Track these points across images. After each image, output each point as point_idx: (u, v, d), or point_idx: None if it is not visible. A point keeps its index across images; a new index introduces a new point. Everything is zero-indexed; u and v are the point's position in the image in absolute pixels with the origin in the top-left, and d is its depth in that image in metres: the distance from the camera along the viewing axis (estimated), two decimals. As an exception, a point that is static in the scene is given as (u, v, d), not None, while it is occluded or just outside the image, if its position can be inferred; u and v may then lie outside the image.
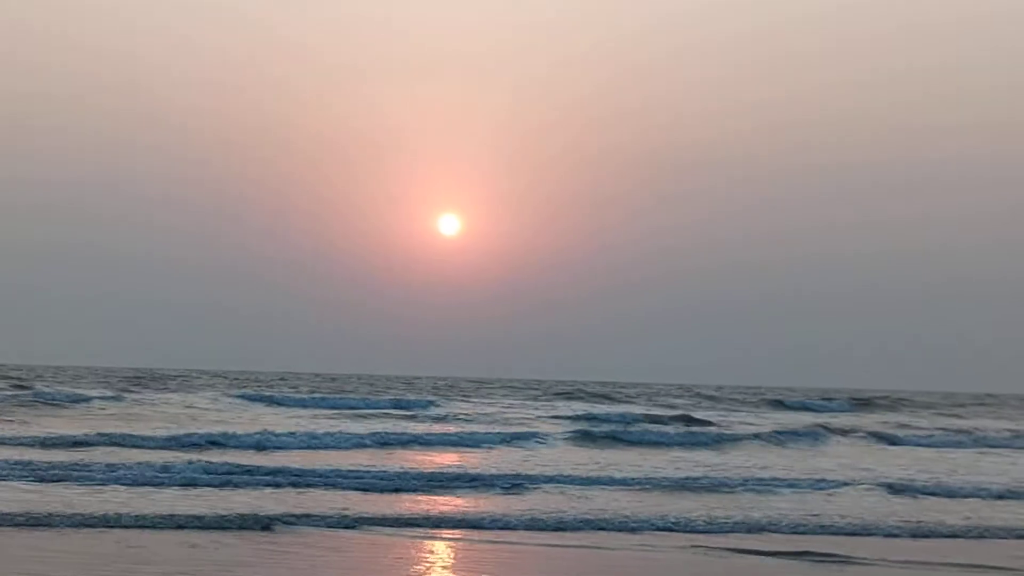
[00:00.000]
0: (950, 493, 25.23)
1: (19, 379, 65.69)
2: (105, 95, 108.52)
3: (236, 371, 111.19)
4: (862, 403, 70.62)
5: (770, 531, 18.98)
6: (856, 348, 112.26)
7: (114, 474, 22.86)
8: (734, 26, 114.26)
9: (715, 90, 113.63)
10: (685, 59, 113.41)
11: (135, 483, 22.03)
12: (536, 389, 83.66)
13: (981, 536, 19.50)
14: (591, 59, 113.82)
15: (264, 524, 17.65)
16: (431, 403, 53.67)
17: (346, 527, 17.88)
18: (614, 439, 36.92)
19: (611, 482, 24.70)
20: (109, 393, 51.86)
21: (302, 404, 51.51)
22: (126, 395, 51.70)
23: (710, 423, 45.88)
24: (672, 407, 57.93)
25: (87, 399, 47.67)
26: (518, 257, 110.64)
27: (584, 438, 37.16)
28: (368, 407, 50.92)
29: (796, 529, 19.20)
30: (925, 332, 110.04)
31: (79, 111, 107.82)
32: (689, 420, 46.51)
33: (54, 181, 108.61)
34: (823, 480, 26.16)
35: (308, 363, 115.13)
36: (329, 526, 17.94)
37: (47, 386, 54.36)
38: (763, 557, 16.57)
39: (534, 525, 18.86)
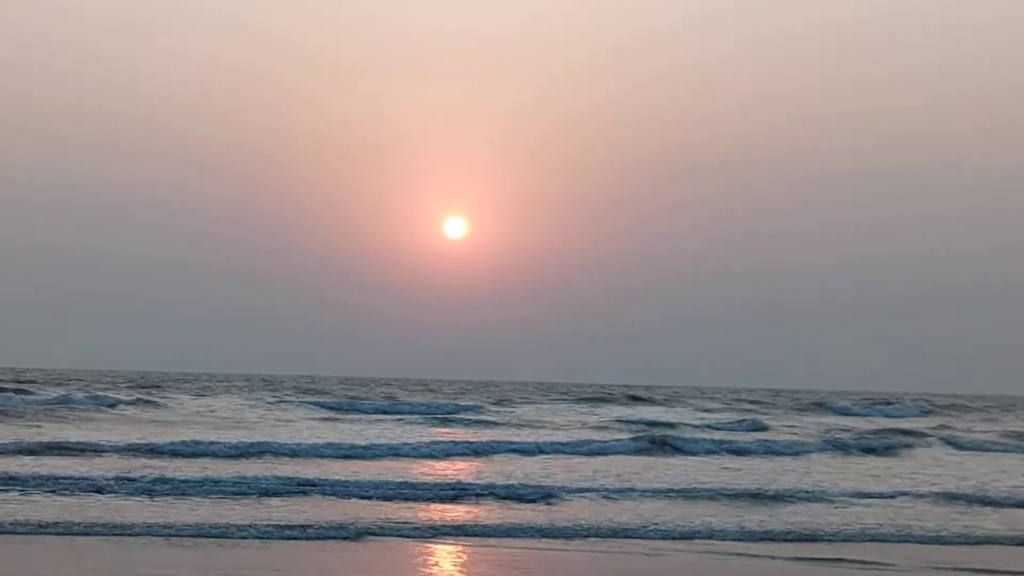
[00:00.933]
0: (1003, 500, 24.28)
1: (31, 382, 64.55)
2: (108, 99, 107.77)
3: (246, 374, 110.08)
4: (916, 408, 69.89)
5: (814, 540, 18.53)
6: (864, 351, 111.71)
7: (187, 483, 22.10)
8: (737, 32, 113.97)
9: (720, 94, 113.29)
10: (690, 64, 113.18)
11: (214, 494, 21.28)
12: (559, 391, 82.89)
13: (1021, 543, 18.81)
14: (598, 63, 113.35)
15: (354, 534, 17.48)
16: (475, 408, 52.58)
17: (427, 538, 17.64)
18: (674, 448, 35.54)
19: (683, 492, 23.80)
20: (137, 397, 50.61)
21: (350, 409, 50.48)
22: (157, 399, 50.46)
23: (770, 428, 44.88)
24: (716, 411, 56.96)
25: (117, 403, 46.46)
26: (524, 260, 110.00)
27: (649, 446, 35.82)
28: (412, 412, 49.86)
29: (837, 536, 18.78)
30: (927, 335, 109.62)
31: (79, 114, 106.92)
32: (750, 426, 45.48)
33: (51, 183, 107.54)
34: (877, 489, 25.24)
35: (308, 366, 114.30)
36: (412, 536, 17.64)
37: (72, 391, 53.18)
38: (797, 563, 16.40)
39: (620, 533, 18.55)
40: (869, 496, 24.10)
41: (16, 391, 51.06)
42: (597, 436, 37.35)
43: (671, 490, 24.00)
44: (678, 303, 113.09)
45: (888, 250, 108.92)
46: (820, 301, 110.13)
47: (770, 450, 35.66)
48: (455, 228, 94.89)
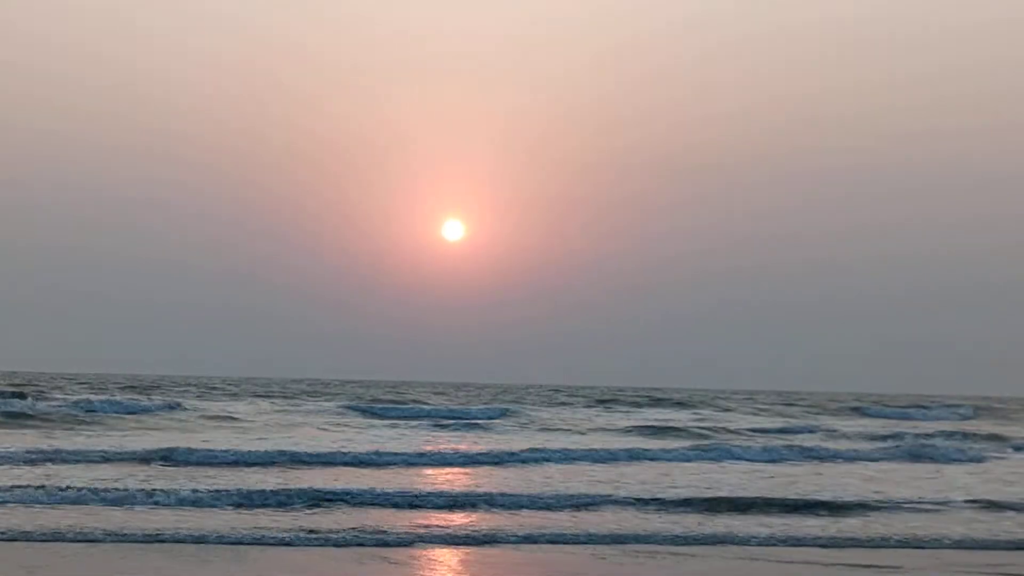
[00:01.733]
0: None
1: (31, 384, 63.36)
2: (108, 99, 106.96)
3: (248, 376, 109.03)
4: (954, 412, 69.11)
5: (836, 546, 18.08)
6: (864, 351, 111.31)
7: (216, 490, 21.57)
8: (737, 32, 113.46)
9: (720, 94, 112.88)
10: (690, 64, 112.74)
11: (239, 504, 20.65)
12: (567, 393, 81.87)
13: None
14: (598, 63, 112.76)
15: (402, 542, 17.31)
16: (502, 412, 51.44)
17: (477, 544, 17.40)
18: (734, 455, 34.21)
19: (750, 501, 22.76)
20: (163, 401, 49.32)
21: (370, 413, 49.40)
22: (179, 404, 49.16)
23: (819, 432, 43.92)
24: (746, 414, 55.96)
25: (139, 409, 45.16)
26: (524, 261, 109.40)
27: (705, 453, 34.53)
28: (436, 416, 48.84)
29: (865, 543, 18.30)
30: (927, 335, 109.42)
31: (79, 114, 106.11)
32: (803, 430, 44.48)
33: (51, 183, 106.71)
34: (918, 497, 24.19)
35: (307, 367, 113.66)
36: (455, 544, 17.48)
37: (93, 394, 51.86)
38: (810, 566, 16.33)
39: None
40: (941, 503, 23.31)
41: (25, 396, 49.68)
42: (650, 443, 36.12)
43: (736, 499, 22.97)
44: (678, 303, 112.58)
45: (888, 250, 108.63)
46: (820, 301, 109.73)
47: (834, 456, 34.54)
48: (455, 228, 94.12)
